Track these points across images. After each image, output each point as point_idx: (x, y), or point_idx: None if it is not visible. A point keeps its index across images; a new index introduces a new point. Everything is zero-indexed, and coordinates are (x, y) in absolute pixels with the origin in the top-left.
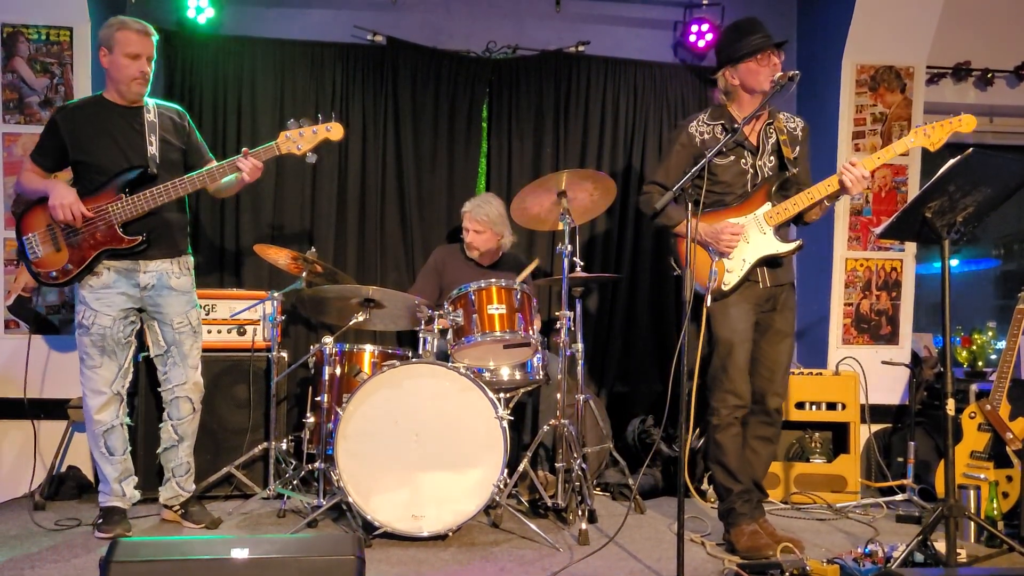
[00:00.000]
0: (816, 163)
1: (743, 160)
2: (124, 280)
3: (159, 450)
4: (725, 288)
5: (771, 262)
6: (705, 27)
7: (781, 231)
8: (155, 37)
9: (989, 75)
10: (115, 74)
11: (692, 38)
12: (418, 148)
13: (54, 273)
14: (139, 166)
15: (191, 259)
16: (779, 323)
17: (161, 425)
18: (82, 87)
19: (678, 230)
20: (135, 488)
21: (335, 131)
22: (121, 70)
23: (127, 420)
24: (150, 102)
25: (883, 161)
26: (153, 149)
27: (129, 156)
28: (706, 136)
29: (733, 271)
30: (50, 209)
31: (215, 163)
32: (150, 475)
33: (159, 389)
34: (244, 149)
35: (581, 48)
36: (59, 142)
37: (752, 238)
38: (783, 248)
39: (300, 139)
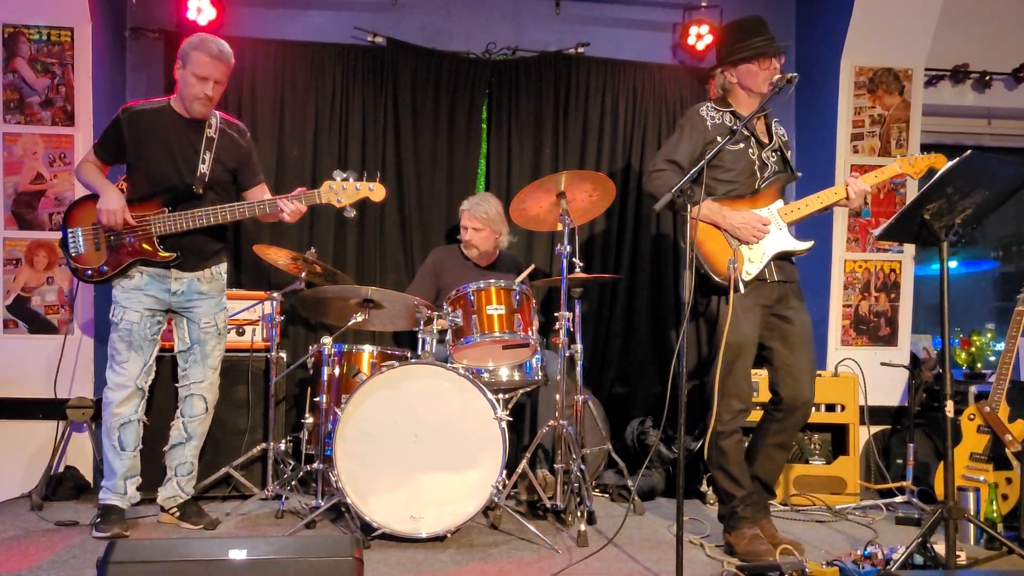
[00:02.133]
0: (814, 165)
1: (751, 150)
2: (156, 284)
3: (166, 448)
4: (747, 278)
5: (780, 258)
6: (704, 29)
7: (791, 229)
8: (230, 62)
9: (987, 77)
10: (182, 90)
11: (691, 40)
12: (418, 149)
13: (89, 271)
14: (187, 184)
15: (225, 265)
16: (800, 327)
17: (173, 423)
18: (83, 87)
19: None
20: (136, 489)
21: (377, 192)
22: (187, 87)
23: (144, 418)
24: (215, 116)
25: (879, 181)
26: (204, 168)
27: (180, 170)
28: (716, 120)
29: (755, 262)
30: (97, 212)
31: (257, 200)
32: (150, 477)
33: (176, 385)
34: (300, 188)
35: (580, 49)
36: (119, 141)
37: (771, 232)
38: (799, 246)
39: (342, 192)
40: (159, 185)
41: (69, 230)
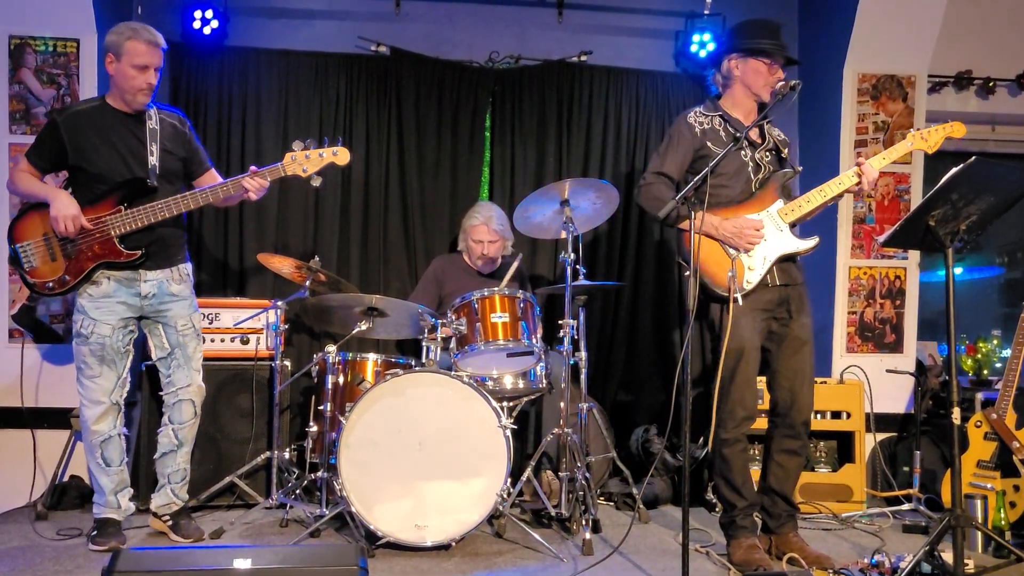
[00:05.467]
0: (818, 171)
1: (743, 152)
2: (125, 290)
3: (156, 455)
4: (747, 287)
5: (783, 260)
6: (706, 36)
7: (795, 229)
8: (164, 47)
9: (991, 84)
10: (121, 83)
11: (694, 48)
12: (421, 157)
13: (50, 284)
14: (139, 178)
15: (190, 266)
16: (796, 330)
17: (160, 430)
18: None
19: (684, 226)
20: (130, 500)
21: (341, 156)
22: (128, 80)
23: (123, 430)
24: (152, 108)
25: (889, 161)
26: (154, 159)
27: (130, 165)
28: (705, 126)
29: (755, 269)
30: (52, 221)
31: (220, 181)
32: (151, 485)
33: (161, 393)
34: (252, 167)
35: (583, 58)
36: (59, 145)
37: (770, 236)
38: (803, 245)
39: (306, 161)
40: (109, 183)
41: (18, 245)
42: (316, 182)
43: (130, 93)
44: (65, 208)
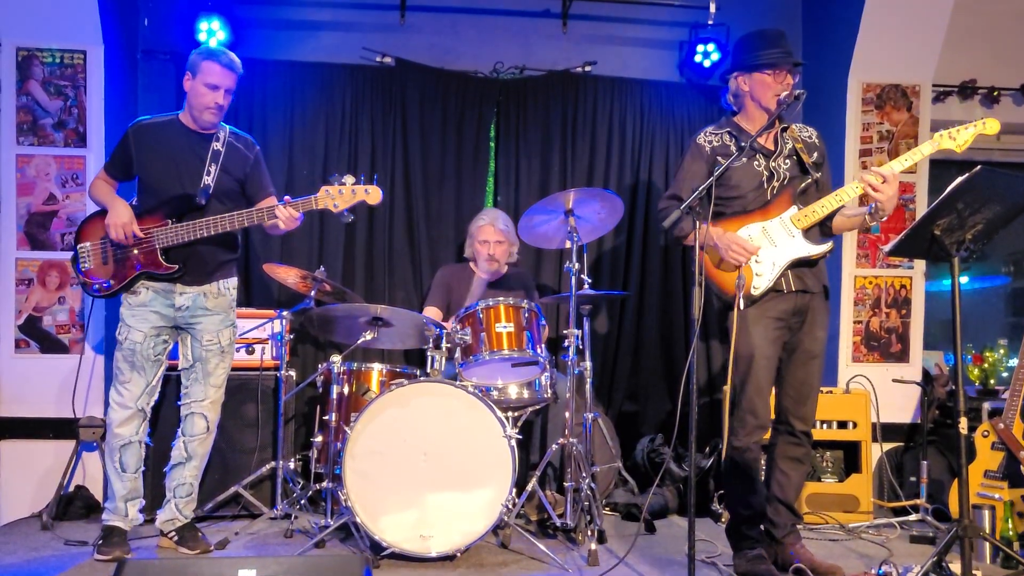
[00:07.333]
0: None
1: (756, 163)
2: (161, 300)
3: (166, 467)
4: (755, 292)
5: (797, 265)
6: (711, 47)
7: (811, 234)
8: (239, 72)
9: (995, 93)
10: (192, 100)
11: (698, 58)
12: (426, 168)
13: (96, 286)
14: (188, 195)
15: (234, 280)
16: (808, 343)
17: (174, 442)
18: (95, 109)
19: (689, 241)
20: (139, 511)
21: (373, 195)
22: (198, 97)
23: (146, 439)
24: (223, 129)
25: (911, 163)
26: (209, 179)
27: (184, 182)
28: (715, 143)
29: (763, 275)
30: (106, 227)
31: (255, 208)
32: (156, 498)
33: (178, 403)
34: (286, 197)
35: (588, 68)
36: (127, 155)
37: (780, 241)
38: (814, 250)
39: (339, 197)
40: (162, 196)
41: (80, 246)
42: (347, 219)
43: (198, 110)
44: (118, 216)
